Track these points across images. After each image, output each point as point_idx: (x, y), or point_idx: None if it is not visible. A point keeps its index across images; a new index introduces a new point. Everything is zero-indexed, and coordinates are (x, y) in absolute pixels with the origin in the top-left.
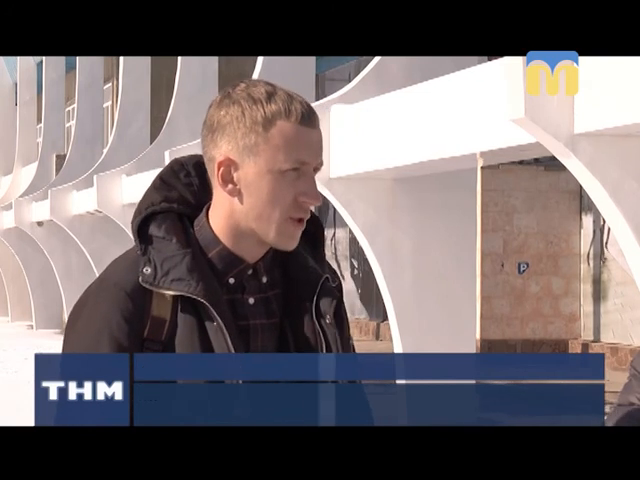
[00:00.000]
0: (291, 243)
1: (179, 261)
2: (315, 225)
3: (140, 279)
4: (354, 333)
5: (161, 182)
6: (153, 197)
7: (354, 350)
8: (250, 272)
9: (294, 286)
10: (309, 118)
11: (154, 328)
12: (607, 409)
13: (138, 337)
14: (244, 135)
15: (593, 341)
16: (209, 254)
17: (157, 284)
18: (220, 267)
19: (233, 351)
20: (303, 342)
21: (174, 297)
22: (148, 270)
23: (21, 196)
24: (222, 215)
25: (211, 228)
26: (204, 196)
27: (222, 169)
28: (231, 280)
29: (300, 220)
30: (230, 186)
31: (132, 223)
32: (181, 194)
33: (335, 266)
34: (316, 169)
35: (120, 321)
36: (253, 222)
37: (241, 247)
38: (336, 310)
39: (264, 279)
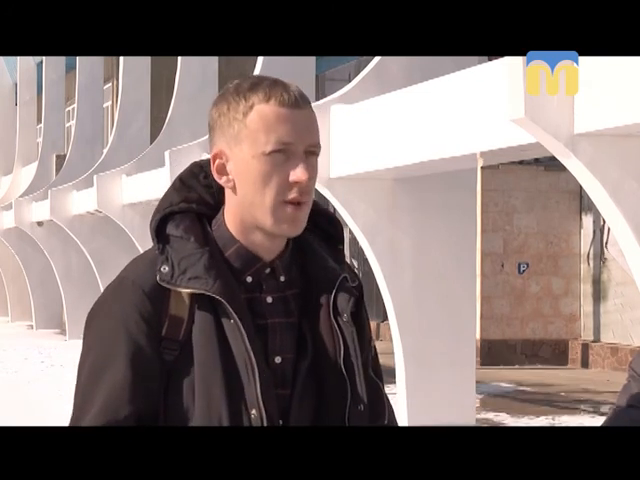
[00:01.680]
0: (292, 228)
1: (197, 260)
2: (334, 225)
3: (157, 277)
4: None
5: (181, 183)
6: (172, 198)
7: (375, 351)
8: (268, 271)
9: (312, 286)
10: (291, 100)
11: (172, 327)
12: (606, 410)
13: (156, 336)
14: (228, 126)
15: (593, 341)
16: (226, 252)
17: (174, 282)
18: (238, 265)
19: (250, 349)
20: (321, 342)
21: (192, 296)
22: (165, 269)
23: (21, 196)
24: (230, 211)
25: (227, 227)
26: (223, 198)
27: (217, 162)
28: (249, 279)
29: (298, 203)
30: (224, 178)
31: (151, 222)
32: (200, 195)
33: None
34: (311, 152)
35: (138, 320)
36: (249, 211)
37: (255, 243)
38: (357, 310)
39: (282, 278)
